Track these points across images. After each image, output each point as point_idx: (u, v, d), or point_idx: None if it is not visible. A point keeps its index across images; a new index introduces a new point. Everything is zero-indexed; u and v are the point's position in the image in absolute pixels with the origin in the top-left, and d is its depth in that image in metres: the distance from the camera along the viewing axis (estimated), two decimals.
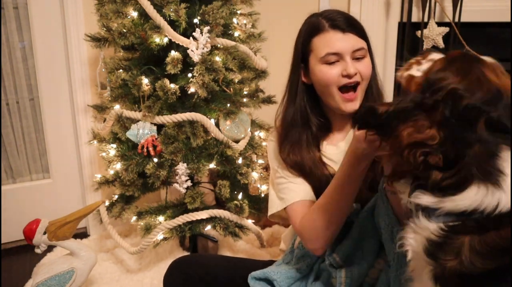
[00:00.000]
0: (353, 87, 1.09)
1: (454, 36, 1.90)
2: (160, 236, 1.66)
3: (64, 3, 1.97)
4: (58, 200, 2.19)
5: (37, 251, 1.55)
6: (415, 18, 2.00)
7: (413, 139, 0.65)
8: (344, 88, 1.08)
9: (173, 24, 1.54)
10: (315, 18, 1.11)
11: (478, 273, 0.62)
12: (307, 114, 1.15)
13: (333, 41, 1.06)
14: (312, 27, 1.10)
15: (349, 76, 1.06)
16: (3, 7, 1.96)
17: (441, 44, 1.90)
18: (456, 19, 1.90)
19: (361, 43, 1.09)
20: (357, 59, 1.08)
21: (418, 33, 1.95)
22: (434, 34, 1.90)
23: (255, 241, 1.92)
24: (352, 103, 1.09)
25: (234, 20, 1.72)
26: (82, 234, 2.19)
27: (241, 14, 1.76)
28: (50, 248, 1.80)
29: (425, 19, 1.94)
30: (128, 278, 1.77)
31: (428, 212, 0.66)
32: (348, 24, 1.07)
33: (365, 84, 1.10)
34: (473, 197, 0.62)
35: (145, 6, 1.52)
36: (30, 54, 2.05)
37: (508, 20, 1.90)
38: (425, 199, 0.65)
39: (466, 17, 1.91)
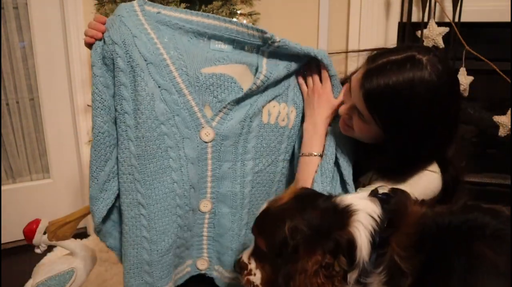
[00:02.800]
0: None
1: (454, 36, 1.90)
2: None
3: (64, 3, 1.97)
4: (58, 200, 2.19)
5: (37, 251, 1.55)
6: (415, 18, 2.00)
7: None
8: None
9: None
10: (376, 57, 0.91)
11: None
12: None
13: (356, 79, 0.92)
14: (370, 57, 0.93)
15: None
16: (3, 7, 1.96)
17: (441, 44, 1.90)
18: (456, 19, 1.90)
19: (361, 109, 0.90)
20: (358, 114, 0.93)
21: (418, 33, 1.95)
22: (434, 34, 1.90)
23: None
24: (343, 126, 1.01)
25: (234, 20, 1.72)
26: (82, 234, 2.19)
27: (241, 14, 1.76)
28: (50, 248, 1.80)
29: (425, 19, 1.94)
30: None
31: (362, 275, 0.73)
32: (368, 85, 0.87)
33: (357, 135, 0.97)
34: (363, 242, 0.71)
35: None
36: (30, 54, 2.05)
37: (508, 20, 1.89)
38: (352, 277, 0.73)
39: (466, 17, 1.91)
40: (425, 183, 0.94)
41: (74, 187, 2.23)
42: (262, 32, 0.96)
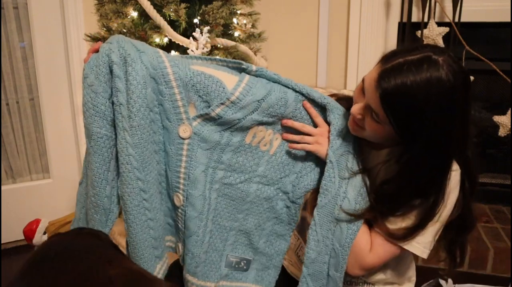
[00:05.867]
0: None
1: (454, 36, 1.90)
2: None
3: (64, 3, 1.97)
4: (58, 200, 2.19)
5: None
6: (415, 18, 2.00)
7: None
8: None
9: (173, 24, 1.54)
10: (393, 55, 0.88)
11: None
12: None
13: (370, 77, 0.88)
14: (385, 55, 0.90)
15: (351, 112, 0.95)
16: (3, 7, 1.96)
17: (441, 44, 1.90)
18: (456, 19, 1.90)
19: (377, 109, 0.87)
20: (372, 115, 0.90)
21: (418, 33, 1.95)
22: (434, 34, 1.90)
23: None
24: (354, 127, 0.96)
25: (234, 20, 1.72)
26: None
27: (241, 14, 1.76)
28: None
29: (425, 19, 1.94)
30: None
31: None
32: (385, 85, 0.84)
33: (370, 136, 0.95)
34: None
35: (145, 6, 1.53)
36: (30, 54, 2.05)
37: (508, 20, 1.90)
38: None
39: (466, 17, 1.91)
40: (454, 184, 0.93)
41: (74, 187, 2.21)
42: (239, 63, 0.97)
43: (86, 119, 0.94)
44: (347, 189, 0.96)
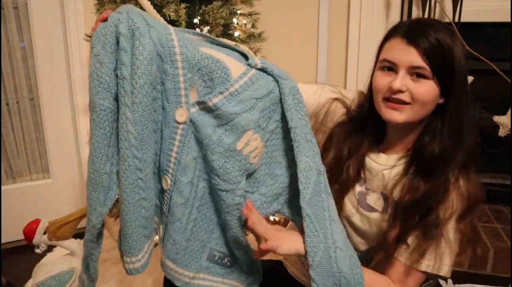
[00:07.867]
0: (402, 103, 0.94)
1: None
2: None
3: (64, 3, 1.97)
4: (58, 200, 2.19)
5: (37, 251, 1.55)
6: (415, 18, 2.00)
7: None
8: (391, 101, 0.95)
9: (173, 24, 1.54)
10: (401, 23, 0.97)
11: None
12: (364, 114, 1.04)
13: (394, 48, 0.93)
14: (390, 30, 0.97)
15: (392, 90, 0.92)
16: (3, 7, 1.96)
17: None
18: (456, 19, 1.90)
19: (422, 63, 0.90)
20: (416, 78, 0.92)
21: None
22: None
23: None
24: (394, 112, 0.94)
25: (234, 20, 1.72)
26: (82, 234, 2.18)
27: (241, 14, 1.76)
28: (50, 248, 1.80)
29: None
30: (128, 278, 1.77)
31: None
32: (420, 38, 0.90)
33: (417, 107, 0.93)
34: None
35: (145, 6, 1.51)
36: (30, 54, 2.05)
37: (508, 20, 1.90)
38: None
39: (466, 17, 1.91)
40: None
41: (74, 187, 2.23)
42: (245, 55, 0.96)
43: (91, 90, 0.90)
44: (335, 239, 0.91)
